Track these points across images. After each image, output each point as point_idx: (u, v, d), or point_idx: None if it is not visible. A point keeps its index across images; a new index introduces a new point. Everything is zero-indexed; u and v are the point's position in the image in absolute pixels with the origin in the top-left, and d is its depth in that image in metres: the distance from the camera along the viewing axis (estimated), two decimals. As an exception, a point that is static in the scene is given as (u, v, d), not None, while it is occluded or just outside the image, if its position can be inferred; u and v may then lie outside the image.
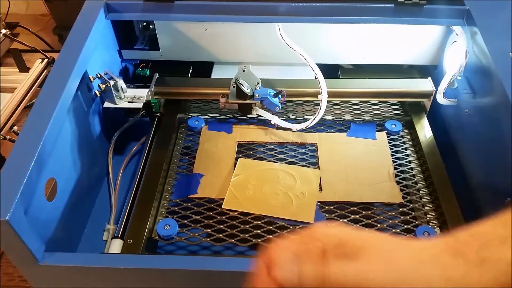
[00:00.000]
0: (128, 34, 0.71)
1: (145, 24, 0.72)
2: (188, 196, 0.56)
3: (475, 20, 0.56)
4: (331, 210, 0.54)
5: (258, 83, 0.61)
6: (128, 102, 0.62)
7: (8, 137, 0.67)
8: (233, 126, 0.66)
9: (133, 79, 0.71)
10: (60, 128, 0.49)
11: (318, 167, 0.59)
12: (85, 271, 0.42)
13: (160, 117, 0.66)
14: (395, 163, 0.60)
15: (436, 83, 0.64)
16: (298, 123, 0.63)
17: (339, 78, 0.70)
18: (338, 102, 0.67)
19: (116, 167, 0.63)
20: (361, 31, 0.66)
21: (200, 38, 0.69)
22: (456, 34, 0.60)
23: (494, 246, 0.25)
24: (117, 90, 0.60)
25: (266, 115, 0.63)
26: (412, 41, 0.67)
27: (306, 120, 0.62)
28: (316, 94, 0.61)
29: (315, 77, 0.59)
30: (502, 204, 0.47)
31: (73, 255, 0.46)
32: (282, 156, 0.62)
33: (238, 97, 0.61)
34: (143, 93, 0.62)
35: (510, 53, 0.51)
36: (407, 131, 0.65)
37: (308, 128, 0.62)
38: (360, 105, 0.68)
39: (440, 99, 0.62)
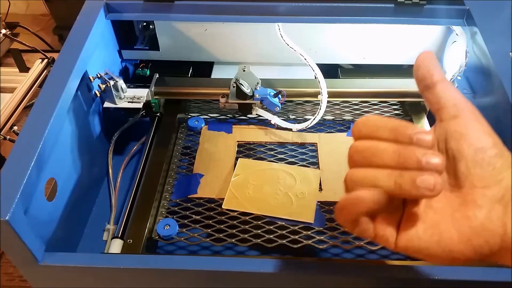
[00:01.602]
0: (128, 34, 0.71)
1: (145, 24, 0.72)
2: (188, 196, 0.56)
3: (475, 20, 0.56)
4: (331, 210, 0.54)
5: (258, 83, 0.61)
6: (128, 102, 0.62)
7: (8, 137, 0.67)
8: (233, 126, 0.66)
9: (133, 79, 0.71)
10: (60, 128, 0.49)
11: (318, 167, 0.59)
12: (85, 271, 0.42)
13: (160, 117, 0.66)
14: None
15: (436, 83, 0.63)
16: (298, 123, 0.63)
17: (339, 78, 0.70)
18: (338, 102, 0.67)
19: (116, 167, 0.63)
20: (361, 31, 0.66)
21: (200, 38, 0.69)
22: (456, 34, 0.60)
23: None
24: (117, 90, 0.60)
25: (266, 115, 0.63)
26: (412, 41, 0.67)
27: (306, 120, 0.62)
28: (316, 94, 0.61)
29: (315, 77, 0.59)
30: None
31: (73, 255, 0.46)
32: (282, 156, 0.62)
33: (238, 97, 0.61)
34: (143, 93, 0.62)
35: (510, 53, 0.51)
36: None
37: (308, 128, 0.62)
38: (360, 105, 0.68)
39: (440, 99, 0.62)
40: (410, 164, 0.28)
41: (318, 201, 0.55)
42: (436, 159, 0.27)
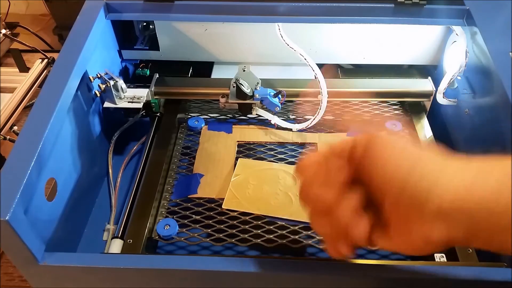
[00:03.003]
0: (128, 34, 0.71)
1: (145, 24, 0.72)
2: (188, 196, 0.56)
3: (475, 20, 0.56)
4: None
5: (258, 83, 0.61)
6: (128, 102, 0.62)
7: (8, 137, 0.67)
8: (233, 126, 0.65)
9: (133, 79, 0.71)
10: (60, 128, 0.49)
11: (318, 167, 0.59)
12: (85, 271, 0.42)
13: (160, 117, 0.66)
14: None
15: (436, 83, 0.64)
16: (298, 123, 0.63)
17: (339, 78, 0.70)
18: (338, 102, 0.67)
19: (116, 167, 0.63)
20: (361, 31, 0.66)
21: (200, 38, 0.69)
22: (456, 34, 0.60)
23: None
24: (117, 90, 0.60)
25: (266, 115, 0.63)
26: (412, 41, 0.67)
27: (306, 120, 0.62)
28: (316, 94, 0.61)
29: (315, 77, 0.59)
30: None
31: (73, 255, 0.46)
32: (282, 156, 0.62)
33: (238, 97, 0.61)
34: (143, 93, 0.62)
35: (510, 53, 0.51)
36: (407, 131, 0.65)
37: (308, 128, 0.62)
38: (360, 105, 0.68)
39: (440, 99, 0.62)
40: (342, 231, 0.31)
41: (318, 201, 0.54)
42: (360, 231, 0.31)
